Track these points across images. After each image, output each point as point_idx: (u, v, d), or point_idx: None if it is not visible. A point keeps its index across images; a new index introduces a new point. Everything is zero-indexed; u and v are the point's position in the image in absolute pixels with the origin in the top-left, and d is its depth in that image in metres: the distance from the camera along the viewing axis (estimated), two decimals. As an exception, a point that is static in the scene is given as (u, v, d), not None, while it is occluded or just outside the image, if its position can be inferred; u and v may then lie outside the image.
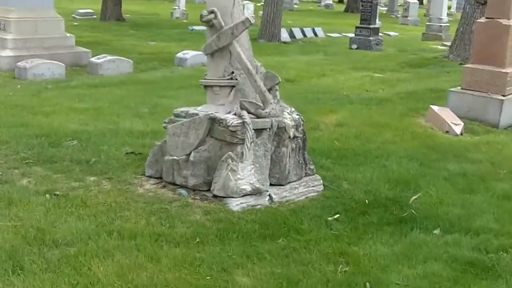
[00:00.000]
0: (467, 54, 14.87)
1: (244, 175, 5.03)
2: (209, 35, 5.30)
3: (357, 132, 7.74)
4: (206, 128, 5.11)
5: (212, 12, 5.16)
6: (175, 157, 5.27)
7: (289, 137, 5.35)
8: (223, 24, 5.17)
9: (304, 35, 21.15)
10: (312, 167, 5.70)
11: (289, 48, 17.61)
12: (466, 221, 5.08)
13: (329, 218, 5.00)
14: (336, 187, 5.75)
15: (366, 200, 5.43)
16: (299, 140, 5.50)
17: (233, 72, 5.32)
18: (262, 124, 5.11)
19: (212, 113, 5.10)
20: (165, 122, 5.52)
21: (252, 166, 5.09)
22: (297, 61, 14.43)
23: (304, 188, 5.53)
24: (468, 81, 9.01)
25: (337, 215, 5.06)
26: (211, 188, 5.10)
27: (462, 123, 8.31)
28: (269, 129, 5.18)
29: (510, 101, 8.87)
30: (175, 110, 5.50)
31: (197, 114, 5.22)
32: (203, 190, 5.22)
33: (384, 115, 8.87)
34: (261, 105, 5.16)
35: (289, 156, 5.39)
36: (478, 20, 9.09)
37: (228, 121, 4.97)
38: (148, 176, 5.58)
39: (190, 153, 5.18)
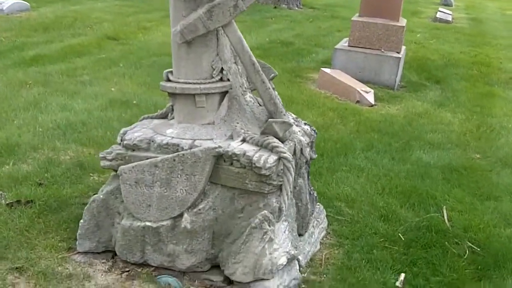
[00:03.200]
0: (278, -4, 13.71)
1: (280, 241, 3.08)
2: (182, 8, 3.07)
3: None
4: (209, 171, 2.99)
5: (199, -32, 2.94)
6: (148, 223, 3.06)
7: (306, 161, 3.47)
8: (217, -11, 3.01)
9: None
10: (315, 194, 3.90)
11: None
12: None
13: (398, 284, 3.33)
14: (338, 215, 4.07)
15: (401, 236, 3.85)
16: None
17: (222, 70, 3.21)
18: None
19: (218, 146, 2.97)
20: (105, 159, 3.21)
21: (286, 224, 3.16)
22: (98, 9, 11.77)
23: (316, 229, 3.74)
24: (357, 36, 7.72)
25: (402, 276, 3.41)
26: (228, 271, 3.05)
27: (372, 90, 7.04)
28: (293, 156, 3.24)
29: (403, 59, 7.83)
30: (123, 136, 3.21)
31: (177, 145, 3.04)
32: (202, 271, 3.13)
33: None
34: (292, 122, 3.19)
35: (307, 191, 3.54)
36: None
37: (254, 158, 2.91)
38: (83, 253, 3.27)
39: (181, 214, 3.02)
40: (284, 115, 3.32)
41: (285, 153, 2.96)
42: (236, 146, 3.01)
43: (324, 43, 10.14)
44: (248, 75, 3.21)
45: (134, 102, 6.02)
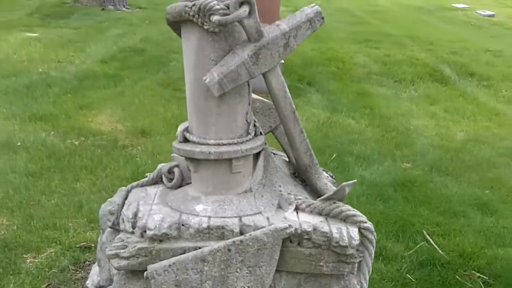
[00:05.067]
0: (101, -4, 12.68)
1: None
2: (210, 51, 2.37)
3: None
4: (277, 259, 2.36)
5: (246, 1, 2.28)
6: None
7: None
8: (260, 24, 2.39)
9: None
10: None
11: None
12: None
13: None
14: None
15: (410, 277, 3.53)
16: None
17: (255, 123, 2.60)
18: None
19: (288, 224, 2.35)
20: (117, 256, 2.40)
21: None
22: None
23: None
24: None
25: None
26: None
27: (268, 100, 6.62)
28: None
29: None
30: (137, 221, 2.42)
31: (222, 228, 2.36)
32: None
33: (157, 103, 6.47)
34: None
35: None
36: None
37: (334, 234, 2.35)
38: None
39: (245, 319, 2.36)
40: (319, 167, 2.79)
41: (366, 222, 2.43)
42: (297, 219, 2.41)
43: (177, 49, 9.48)
44: (286, 124, 2.61)
45: (18, 144, 4.96)
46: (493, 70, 9.43)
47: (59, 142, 5.09)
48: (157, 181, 2.81)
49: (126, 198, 2.75)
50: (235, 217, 2.40)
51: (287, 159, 2.92)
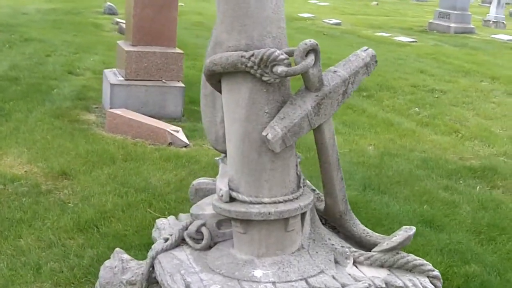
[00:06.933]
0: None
1: None
2: (264, 103, 2.21)
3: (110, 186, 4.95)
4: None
5: (313, 50, 2.14)
6: None
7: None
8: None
9: None
10: None
11: None
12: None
13: None
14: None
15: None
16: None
17: (303, 176, 2.48)
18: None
19: (366, 283, 2.25)
20: None
21: None
22: None
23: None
24: (134, 69, 6.92)
25: None
26: None
27: (180, 128, 6.40)
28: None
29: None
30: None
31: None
32: None
33: (61, 138, 5.97)
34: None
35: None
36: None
37: (410, 288, 2.29)
38: None
39: None
40: (351, 212, 2.71)
41: (434, 270, 2.39)
42: (364, 275, 2.32)
43: (51, 74, 8.87)
44: (329, 172, 2.52)
45: None
46: (367, 80, 9.84)
47: (-25, 192, 4.51)
48: (179, 243, 2.56)
49: (151, 266, 2.49)
50: (301, 279, 2.25)
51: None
